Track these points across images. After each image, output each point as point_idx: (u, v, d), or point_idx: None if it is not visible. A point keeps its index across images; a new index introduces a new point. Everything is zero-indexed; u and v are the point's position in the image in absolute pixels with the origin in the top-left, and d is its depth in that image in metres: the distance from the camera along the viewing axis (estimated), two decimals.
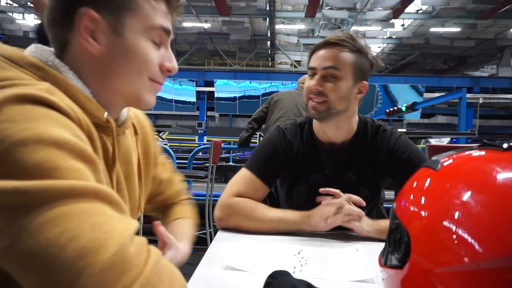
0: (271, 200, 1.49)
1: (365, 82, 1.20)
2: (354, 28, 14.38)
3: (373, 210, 1.34)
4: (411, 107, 8.42)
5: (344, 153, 1.24)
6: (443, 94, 10.71)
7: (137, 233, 0.49)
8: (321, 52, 1.18)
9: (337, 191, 1.11)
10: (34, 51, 0.61)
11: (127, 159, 0.75)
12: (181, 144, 12.34)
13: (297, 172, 1.27)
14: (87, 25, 0.61)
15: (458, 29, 14.83)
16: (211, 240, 1.41)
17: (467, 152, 0.54)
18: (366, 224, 1.07)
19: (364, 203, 1.10)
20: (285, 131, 1.28)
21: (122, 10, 0.62)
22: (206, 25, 15.83)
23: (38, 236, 0.42)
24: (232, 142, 8.84)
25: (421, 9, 14.55)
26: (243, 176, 1.22)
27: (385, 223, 1.07)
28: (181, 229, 0.91)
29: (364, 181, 1.25)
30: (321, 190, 1.12)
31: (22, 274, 0.43)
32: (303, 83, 3.24)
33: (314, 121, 1.27)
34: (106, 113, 0.64)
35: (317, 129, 1.27)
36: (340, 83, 1.15)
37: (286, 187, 1.32)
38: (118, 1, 0.62)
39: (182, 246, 0.82)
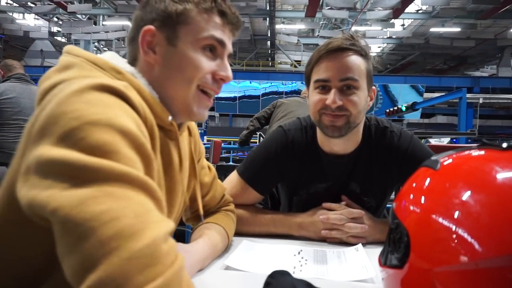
0: (272, 200, 1.49)
1: (373, 87, 1.09)
2: (354, 28, 14.36)
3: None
4: (411, 107, 8.37)
5: (348, 163, 1.13)
6: (443, 94, 10.67)
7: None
8: (333, 61, 1.02)
9: (338, 205, 1.07)
10: (112, 58, 0.69)
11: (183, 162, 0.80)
12: None
13: (297, 179, 1.17)
14: (147, 38, 0.70)
15: (458, 29, 14.81)
16: None
17: (466, 152, 0.54)
18: (370, 235, 1.03)
19: (363, 213, 1.05)
20: (288, 132, 1.16)
21: (177, 24, 0.70)
22: None
23: (84, 207, 0.45)
24: (232, 142, 8.80)
25: (421, 9, 14.53)
26: (235, 184, 1.15)
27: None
28: (200, 232, 0.88)
29: (368, 191, 1.15)
30: (324, 205, 1.09)
31: (61, 237, 0.46)
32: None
33: (319, 131, 1.13)
34: (170, 117, 0.70)
35: (321, 140, 1.14)
36: (360, 94, 1.02)
37: (285, 194, 1.25)
38: (174, 16, 0.70)
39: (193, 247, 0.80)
